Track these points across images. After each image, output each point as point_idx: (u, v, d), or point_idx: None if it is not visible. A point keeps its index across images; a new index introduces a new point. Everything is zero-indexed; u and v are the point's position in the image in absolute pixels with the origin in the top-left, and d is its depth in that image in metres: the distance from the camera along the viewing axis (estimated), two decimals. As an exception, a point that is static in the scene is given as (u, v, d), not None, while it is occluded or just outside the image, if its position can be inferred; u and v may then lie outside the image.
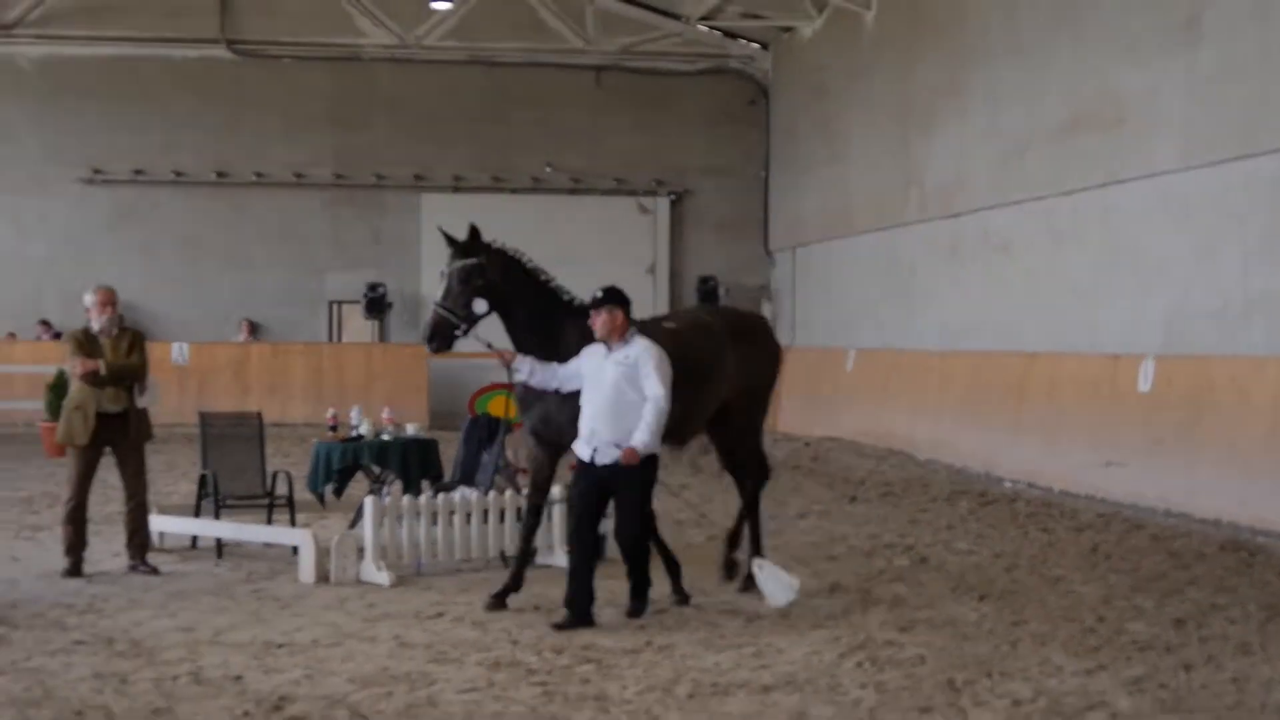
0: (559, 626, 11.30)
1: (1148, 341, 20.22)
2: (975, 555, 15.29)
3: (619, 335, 11.65)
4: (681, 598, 12.39)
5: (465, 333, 12.06)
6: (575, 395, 11.74)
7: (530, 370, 11.87)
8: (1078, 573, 14.16)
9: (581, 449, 11.71)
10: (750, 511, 13.37)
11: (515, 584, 12.26)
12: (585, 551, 11.71)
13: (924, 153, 27.87)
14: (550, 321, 12.20)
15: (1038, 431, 22.05)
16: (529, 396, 12.14)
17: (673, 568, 12.58)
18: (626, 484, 11.66)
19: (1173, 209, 20.12)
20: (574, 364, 11.87)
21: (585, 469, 11.72)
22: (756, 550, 13.08)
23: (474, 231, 12.26)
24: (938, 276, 27.57)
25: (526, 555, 12.50)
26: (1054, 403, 21.83)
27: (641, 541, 11.95)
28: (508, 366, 12.04)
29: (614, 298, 11.71)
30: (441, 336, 11.99)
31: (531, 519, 12.41)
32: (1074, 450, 20.83)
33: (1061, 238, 23.00)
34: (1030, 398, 22.58)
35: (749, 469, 13.56)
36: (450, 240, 12.29)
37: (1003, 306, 24.76)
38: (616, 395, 11.50)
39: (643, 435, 11.50)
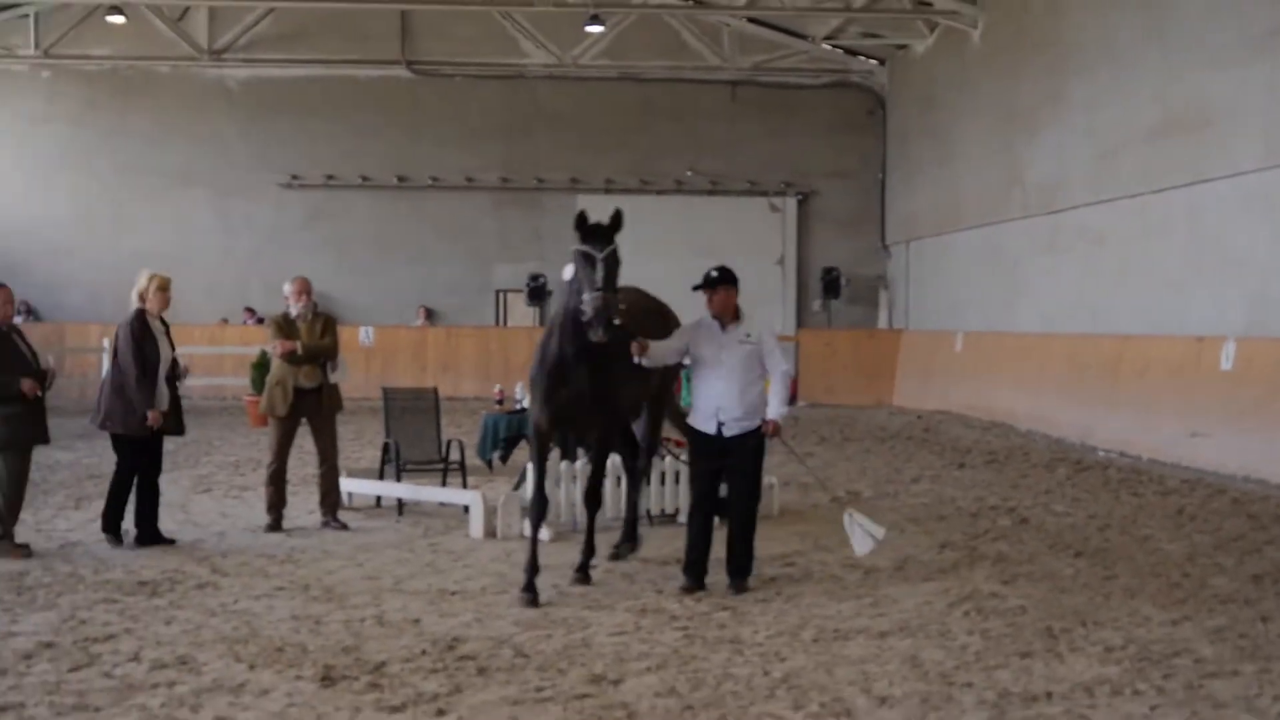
0: (685, 590, 10.92)
1: (1230, 325, 19.86)
2: (1071, 517, 15.08)
3: (733, 314, 11.06)
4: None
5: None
6: (602, 384, 10.82)
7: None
8: (1164, 533, 13.93)
9: (705, 423, 11.01)
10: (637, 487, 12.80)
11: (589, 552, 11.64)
12: (706, 521, 11.15)
13: (1026, 155, 27.53)
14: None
15: (1129, 406, 21.73)
16: (550, 379, 10.86)
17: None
18: (746, 455, 10.99)
19: (1254, 205, 19.73)
20: (676, 341, 11.23)
21: (706, 442, 11.03)
22: (631, 534, 12.49)
23: (620, 216, 10.78)
24: (1038, 267, 27.24)
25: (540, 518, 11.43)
26: (1144, 380, 21.50)
27: (755, 512, 11.28)
28: (642, 353, 10.91)
29: (728, 277, 10.98)
30: (609, 322, 10.25)
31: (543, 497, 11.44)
32: (1162, 423, 20.51)
33: (1152, 231, 22.60)
34: (1122, 375, 22.25)
35: (633, 447, 12.78)
36: (598, 225, 10.71)
37: (1097, 293, 24.40)
38: (744, 372, 10.90)
39: (780, 407, 10.97)
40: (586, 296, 10.29)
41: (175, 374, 13.14)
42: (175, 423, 13.59)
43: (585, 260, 10.47)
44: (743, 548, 11.09)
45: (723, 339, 10.97)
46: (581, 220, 10.61)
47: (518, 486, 14.75)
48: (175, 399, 13.51)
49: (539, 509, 11.08)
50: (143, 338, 13.05)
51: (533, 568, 10.64)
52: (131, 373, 12.92)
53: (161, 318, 13.55)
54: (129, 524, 13.20)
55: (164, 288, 13.41)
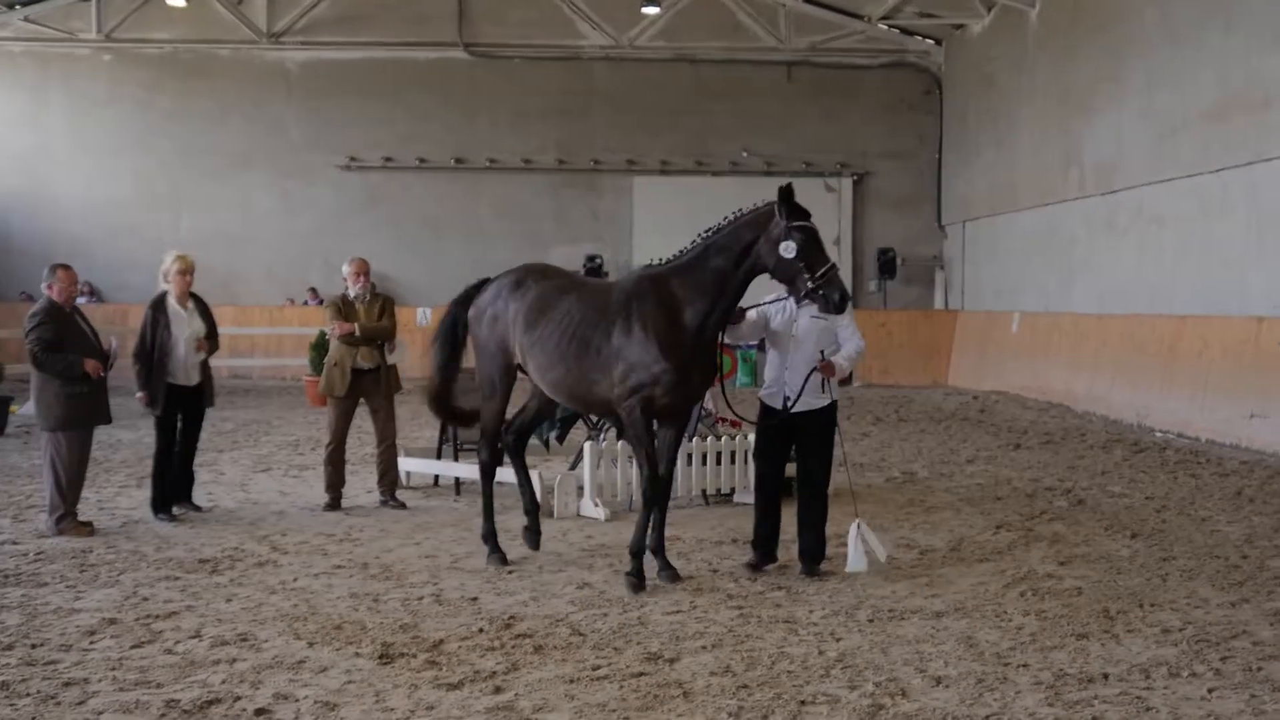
0: (752, 565, 10.96)
1: (1289, 305, 19.68)
2: (1128, 498, 14.97)
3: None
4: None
5: None
6: (712, 362, 10.64)
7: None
8: (1223, 514, 13.81)
9: (775, 399, 10.94)
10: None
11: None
12: (773, 496, 11.09)
13: (1083, 135, 27.32)
14: None
15: (1187, 387, 21.55)
16: (687, 352, 10.37)
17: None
18: (815, 435, 10.93)
19: (1314, 185, 19.55)
20: (757, 317, 10.96)
21: (774, 418, 10.96)
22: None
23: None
24: (1095, 247, 27.04)
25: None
26: (1202, 361, 21.30)
27: (826, 495, 11.13)
28: (738, 322, 10.80)
29: None
30: (845, 293, 10.28)
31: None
32: (1220, 404, 20.34)
33: (1211, 211, 22.37)
34: (1180, 356, 22.05)
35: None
36: (799, 206, 10.27)
37: (1155, 274, 24.20)
38: (815, 348, 10.78)
39: (844, 362, 10.82)
40: (823, 271, 10.07)
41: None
42: (197, 398, 13.76)
43: (812, 237, 10.21)
44: (814, 532, 10.97)
45: (797, 314, 10.86)
46: (791, 194, 10.28)
47: (574, 466, 14.78)
48: (206, 374, 13.79)
49: (661, 490, 10.66)
50: (154, 321, 13.26)
51: (661, 545, 10.75)
52: (135, 352, 13.23)
53: (197, 296, 13.75)
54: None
55: (184, 271, 13.65)
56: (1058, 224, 28.89)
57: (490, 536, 11.47)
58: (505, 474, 12.32)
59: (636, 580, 10.25)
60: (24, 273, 34.02)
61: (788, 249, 10.08)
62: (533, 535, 11.55)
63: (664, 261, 10.64)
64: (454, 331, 11.74)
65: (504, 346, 11.22)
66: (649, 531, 10.65)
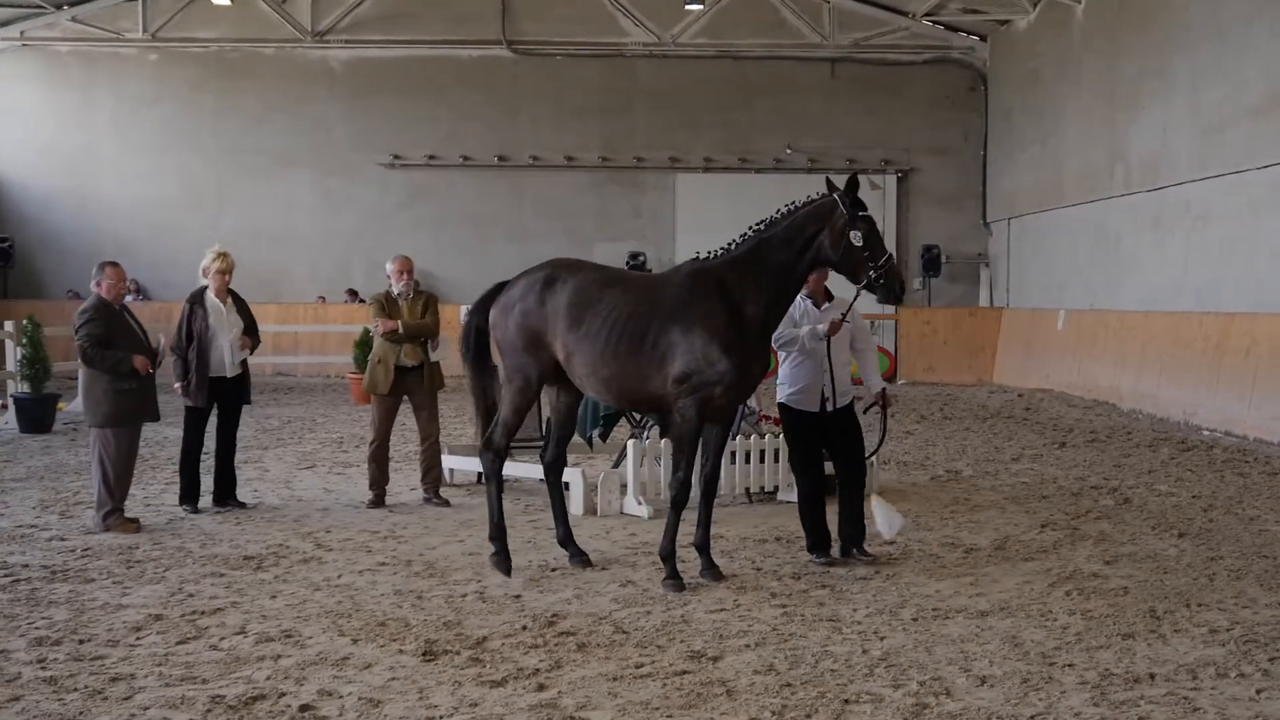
0: (828, 564, 10.99)
1: (1339, 302, 19.54)
2: (1175, 496, 14.88)
3: (824, 294, 11.22)
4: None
5: None
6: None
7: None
8: (1271, 513, 13.70)
9: (809, 403, 11.11)
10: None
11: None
12: (821, 502, 11.25)
13: (1129, 132, 27.18)
14: None
15: (1234, 385, 21.40)
16: (751, 346, 10.28)
17: None
18: (848, 431, 11.23)
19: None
20: (787, 321, 11.01)
21: (809, 421, 11.14)
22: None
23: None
24: (1141, 244, 26.89)
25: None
26: (1250, 358, 21.15)
27: (864, 484, 11.42)
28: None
29: None
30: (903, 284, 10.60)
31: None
32: (1268, 402, 20.19)
33: (1258, 207, 22.22)
34: (1227, 353, 21.91)
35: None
36: (859, 197, 10.28)
37: (1202, 271, 24.06)
38: (840, 350, 11.09)
39: (880, 380, 11.44)
40: (884, 261, 10.12)
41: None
42: (235, 392, 13.93)
43: (873, 227, 10.24)
44: (859, 520, 11.23)
45: (821, 318, 11.05)
46: (857, 185, 10.29)
47: (617, 464, 14.78)
48: (244, 370, 13.99)
49: (706, 490, 10.64)
50: (192, 314, 13.48)
51: (706, 543, 10.69)
52: (173, 345, 13.52)
53: (235, 293, 13.88)
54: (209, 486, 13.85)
55: (223, 270, 13.81)
56: (1103, 221, 28.75)
57: (498, 536, 10.93)
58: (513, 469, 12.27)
59: (675, 581, 10.22)
60: (71, 271, 34.35)
61: (856, 238, 10.07)
62: (579, 558, 11.16)
63: (715, 255, 10.51)
64: (467, 340, 11.30)
65: (537, 344, 10.72)
66: (695, 529, 10.65)
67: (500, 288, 11.16)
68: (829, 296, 11.24)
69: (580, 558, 11.14)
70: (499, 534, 10.91)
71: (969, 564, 11.21)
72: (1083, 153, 29.70)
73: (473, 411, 11.72)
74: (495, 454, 11.07)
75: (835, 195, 10.25)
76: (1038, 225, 33.07)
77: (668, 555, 10.37)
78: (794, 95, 36.85)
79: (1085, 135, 29.53)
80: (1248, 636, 8.79)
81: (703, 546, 10.66)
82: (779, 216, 10.41)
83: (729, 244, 10.49)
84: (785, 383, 11.24)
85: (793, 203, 10.50)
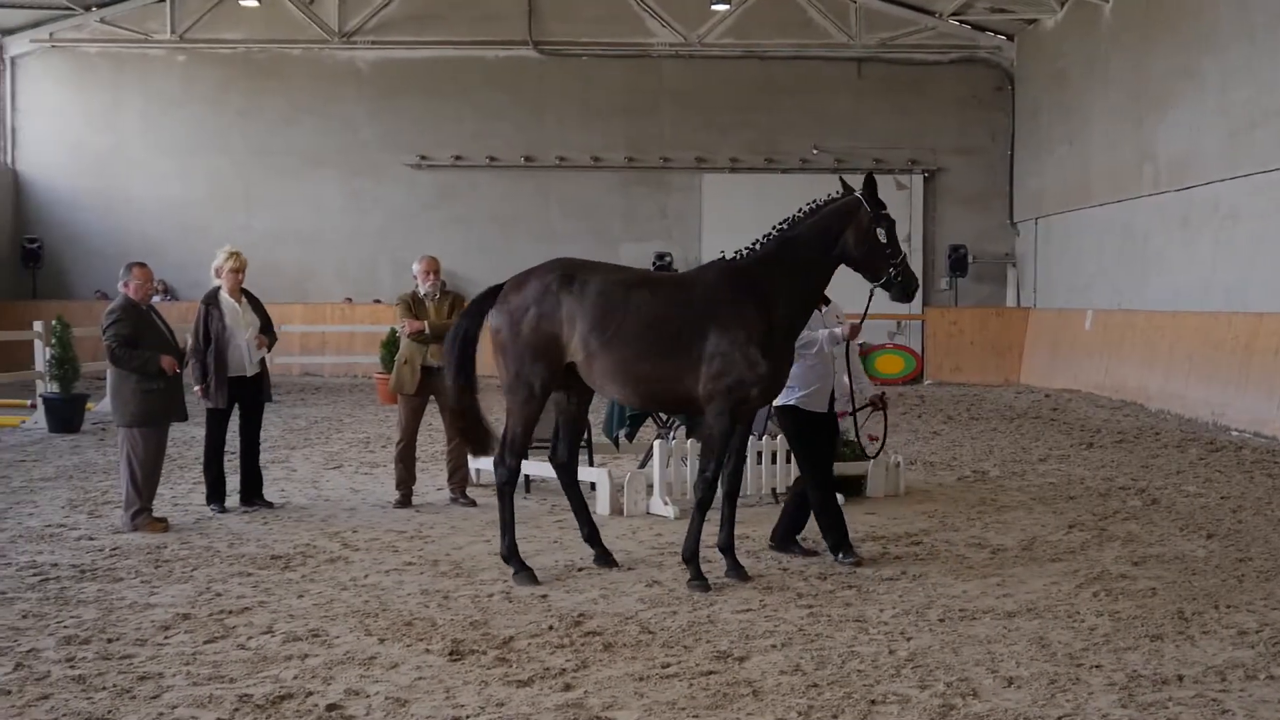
0: (855, 564, 11.01)
1: (1369, 302, 19.43)
2: (1203, 497, 14.82)
3: (823, 297, 11.14)
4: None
5: None
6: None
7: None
8: (1301, 515, 13.66)
9: (818, 404, 11.21)
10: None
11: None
12: (832, 494, 11.40)
13: (1157, 131, 27.08)
14: None
15: (1264, 385, 21.31)
16: (781, 347, 10.29)
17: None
18: (833, 432, 11.53)
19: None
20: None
21: (818, 422, 11.25)
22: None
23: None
24: (1169, 243, 26.80)
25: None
26: (1278, 359, 21.05)
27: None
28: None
29: None
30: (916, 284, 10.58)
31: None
32: (1298, 403, 20.12)
33: (1288, 207, 22.15)
34: (1256, 354, 21.81)
35: None
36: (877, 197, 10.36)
37: (1230, 270, 23.95)
38: (852, 352, 11.31)
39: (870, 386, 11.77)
40: (901, 259, 10.27)
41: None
42: (255, 390, 14.00)
43: (893, 226, 10.38)
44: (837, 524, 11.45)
45: (826, 322, 11.23)
46: (875, 184, 10.38)
47: (644, 464, 14.78)
48: (263, 368, 14.08)
49: (728, 491, 10.62)
50: (208, 315, 13.57)
51: (730, 543, 10.73)
52: (191, 347, 13.61)
53: (249, 292, 13.92)
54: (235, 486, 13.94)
55: (236, 269, 13.87)
56: (1131, 220, 28.65)
57: (513, 554, 10.68)
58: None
59: (700, 582, 10.20)
60: (99, 272, 34.51)
61: (882, 235, 10.18)
62: (604, 558, 11.14)
63: (740, 255, 10.46)
64: (453, 346, 11.16)
65: (551, 349, 10.53)
66: (719, 529, 10.67)
67: (495, 291, 11.01)
68: (825, 300, 11.19)
69: (605, 558, 11.13)
70: (511, 552, 10.65)
71: (996, 564, 11.19)
72: (1110, 152, 29.60)
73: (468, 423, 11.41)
74: (509, 472, 10.81)
75: (856, 194, 10.29)
76: (1065, 225, 32.98)
77: (690, 557, 10.37)
78: (820, 95, 36.80)
79: (1113, 135, 29.43)
80: (1277, 638, 8.75)
81: (727, 547, 10.67)
82: (802, 215, 10.41)
83: (753, 243, 10.46)
84: (796, 385, 11.13)
85: (814, 201, 10.50)
